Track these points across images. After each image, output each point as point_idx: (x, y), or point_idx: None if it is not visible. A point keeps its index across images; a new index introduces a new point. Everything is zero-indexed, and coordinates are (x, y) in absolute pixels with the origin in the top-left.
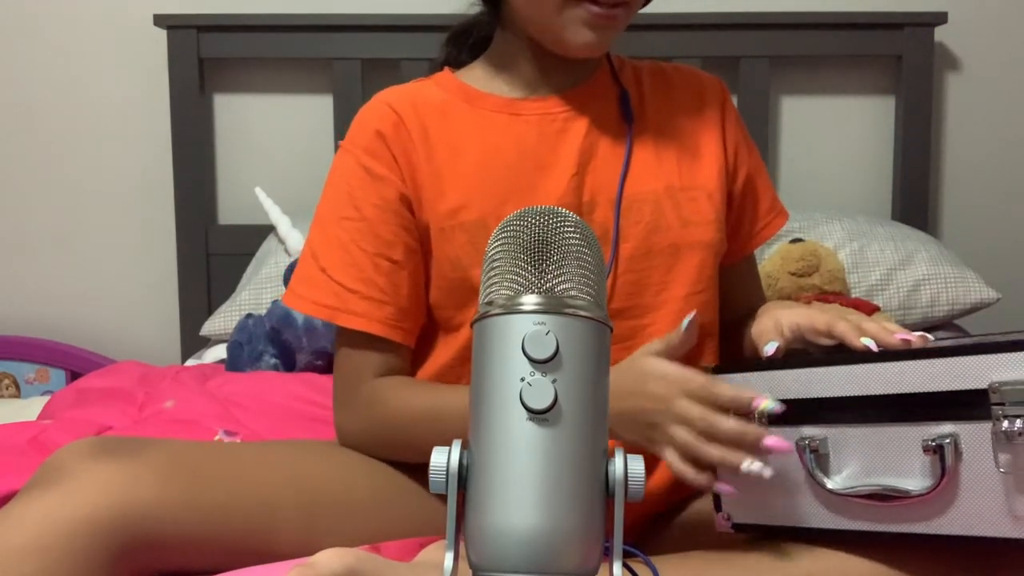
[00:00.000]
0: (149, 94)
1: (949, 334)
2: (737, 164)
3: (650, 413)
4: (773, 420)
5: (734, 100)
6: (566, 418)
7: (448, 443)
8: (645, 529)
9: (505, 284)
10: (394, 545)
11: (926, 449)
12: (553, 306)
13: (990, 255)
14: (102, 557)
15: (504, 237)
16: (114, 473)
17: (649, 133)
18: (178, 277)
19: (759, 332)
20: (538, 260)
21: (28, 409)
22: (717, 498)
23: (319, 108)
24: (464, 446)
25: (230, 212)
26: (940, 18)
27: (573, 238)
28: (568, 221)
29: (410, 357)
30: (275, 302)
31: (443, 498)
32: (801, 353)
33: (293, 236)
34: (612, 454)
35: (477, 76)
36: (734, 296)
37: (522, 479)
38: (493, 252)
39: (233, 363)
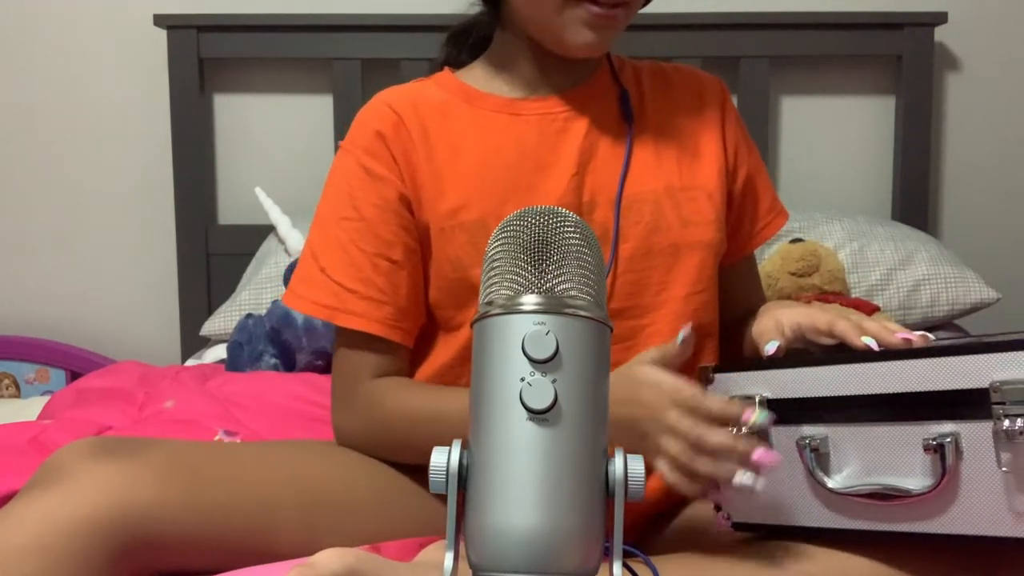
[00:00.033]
0: (149, 94)
1: (949, 334)
2: (737, 164)
3: (642, 422)
4: (775, 420)
5: (734, 100)
6: (566, 418)
7: (445, 445)
8: (645, 529)
9: (505, 284)
10: (394, 545)
11: (927, 448)
12: (553, 306)
13: (990, 255)
14: (102, 557)
15: (504, 237)
16: (114, 473)
17: (649, 133)
18: (178, 277)
19: (760, 332)
20: (538, 260)
21: (28, 409)
22: None
23: (319, 108)
24: (464, 446)
25: (230, 212)
26: (940, 18)
27: (573, 238)
28: (568, 221)
29: (408, 357)
30: (275, 302)
31: (443, 498)
32: (802, 352)
33: (293, 236)
34: (612, 454)
35: (477, 76)
36: (734, 296)
37: (522, 479)
38: (493, 252)
39: (233, 363)
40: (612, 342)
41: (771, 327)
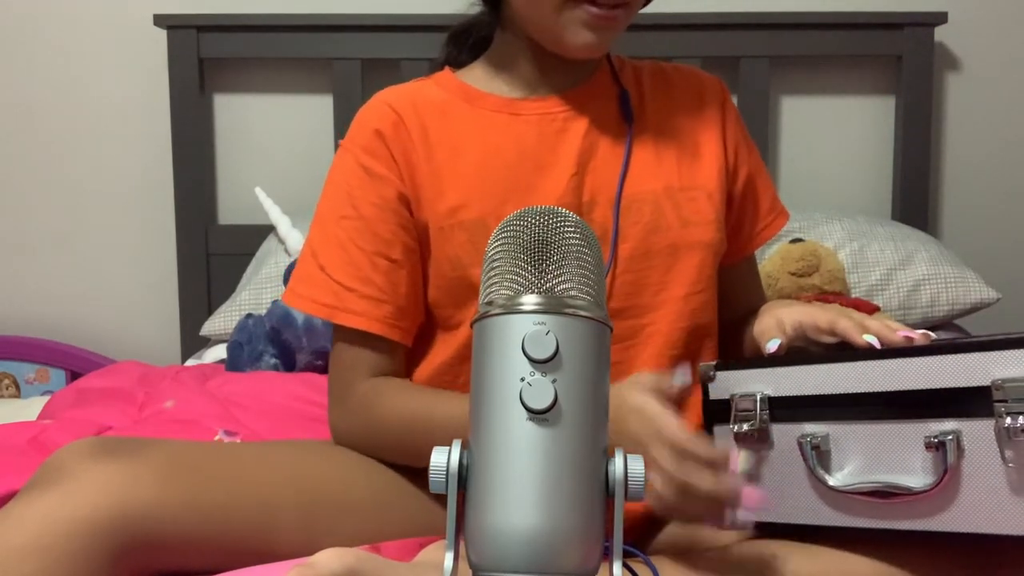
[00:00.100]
0: (149, 94)
1: (949, 334)
2: (737, 164)
3: (625, 449)
4: (775, 417)
5: (734, 100)
6: (566, 418)
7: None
8: (645, 529)
9: (505, 284)
10: (394, 545)
11: (928, 446)
12: (553, 306)
13: (990, 255)
14: (102, 557)
15: (504, 237)
16: (114, 473)
17: (649, 133)
18: (178, 277)
19: (761, 330)
20: (538, 260)
21: (28, 409)
22: None
23: (319, 108)
24: (464, 446)
25: (230, 212)
26: (940, 18)
27: (573, 238)
28: (568, 221)
29: (406, 357)
30: (275, 302)
31: (443, 498)
32: (803, 351)
33: (293, 236)
34: (612, 454)
35: (477, 76)
36: (734, 296)
37: (522, 479)
38: (493, 252)
39: (233, 363)
40: (611, 342)
41: (772, 326)
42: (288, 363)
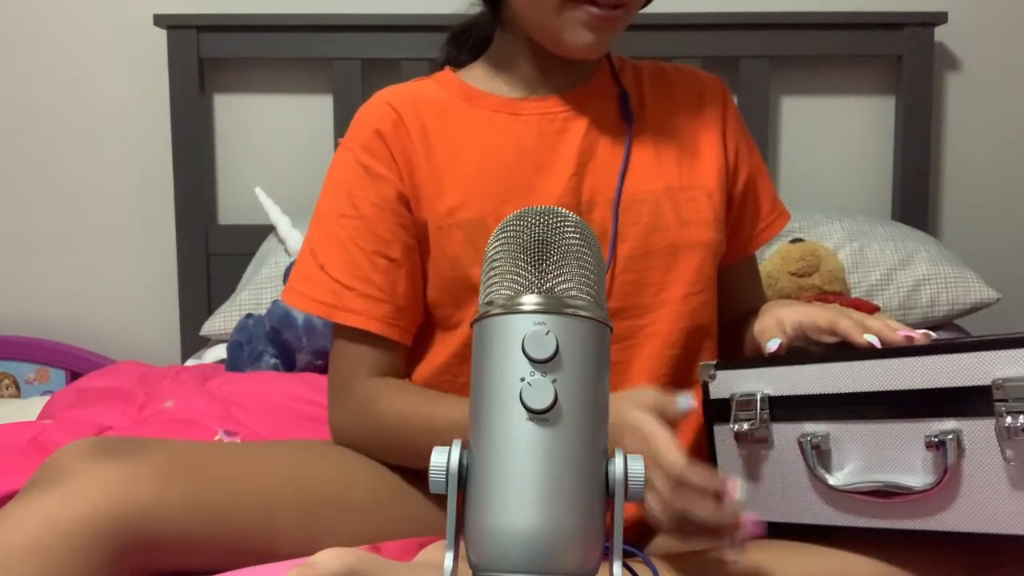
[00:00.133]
0: (149, 94)
1: (949, 334)
2: (738, 164)
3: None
4: (775, 417)
5: (734, 100)
6: (566, 418)
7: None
8: (645, 529)
9: (505, 284)
10: (394, 545)
11: (928, 445)
12: (553, 306)
13: (990, 255)
14: (102, 557)
15: (504, 237)
16: (114, 473)
17: (649, 133)
18: (178, 277)
19: (761, 330)
20: (538, 260)
21: (28, 409)
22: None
23: (319, 108)
24: (464, 446)
25: (230, 212)
26: (940, 18)
27: (573, 238)
28: (568, 221)
29: (406, 356)
30: (275, 302)
31: (443, 498)
32: (803, 350)
33: (293, 236)
34: (612, 454)
35: (477, 76)
36: (735, 296)
37: (522, 479)
38: (493, 252)
39: (233, 363)
40: (611, 342)
41: (772, 325)
42: (288, 363)
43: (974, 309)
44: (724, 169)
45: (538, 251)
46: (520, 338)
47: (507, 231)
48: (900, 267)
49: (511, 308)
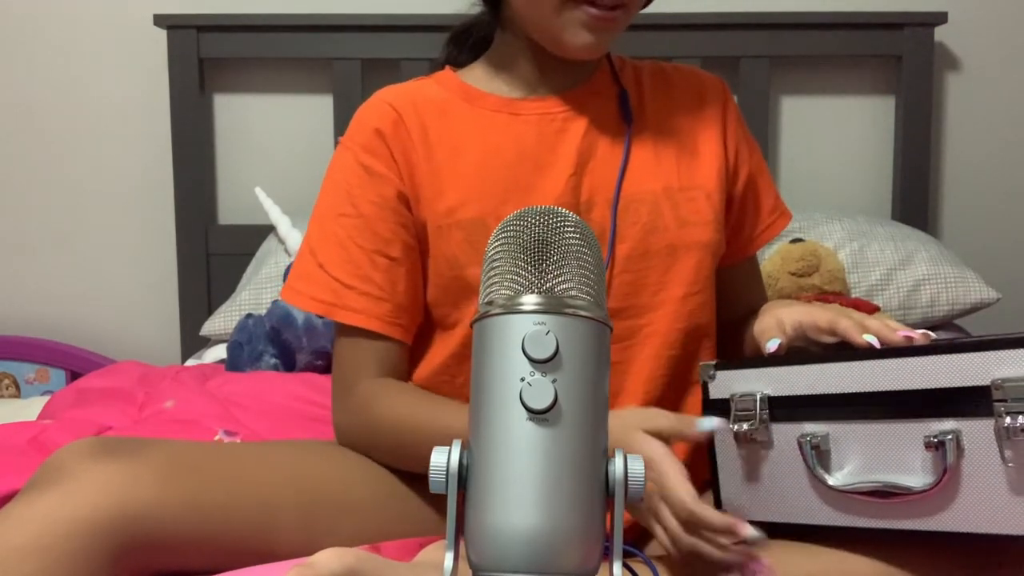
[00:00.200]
0: (149, 94)
1: (949, 334)
2: (738, 164)
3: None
4: (775, 417)
5: (735, 100)
6: (566, 418)
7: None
8: (645, 529)
9: (505, 284)
10: (394, 545)
11: (928, 446)
12: (553, 306)
13: (990, 255)
14: (102, 557)
15: (504, 237)
16: (114, 473)
17: (648, 133)
18: (178, 277)
19: (761, 330)
20: (538, 260)
21: (28, 409)
22: (716, 495)
23: (319, 108)
24: (464, 446)
25: (230, 212)
26: (940, 18)
27: (573, 238)
28: (568, 221)
29: (408, 355)
30: (275, 302)
31: (443, 498)
32: (803, 350)
33: (293, 236)
34: (612, 454)
35: (477, 76)
36: (736, 296)
37: (522, 479)
38: (493, 252)
39: (233, 363)
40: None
41: (772, 325)
42: (288, 363)
43: (974, 309)
44: (724, 169)
45: (538, 251)
46: (520, 338)
47: (507, 231)
48: (900, 267)
49: (511, 308)
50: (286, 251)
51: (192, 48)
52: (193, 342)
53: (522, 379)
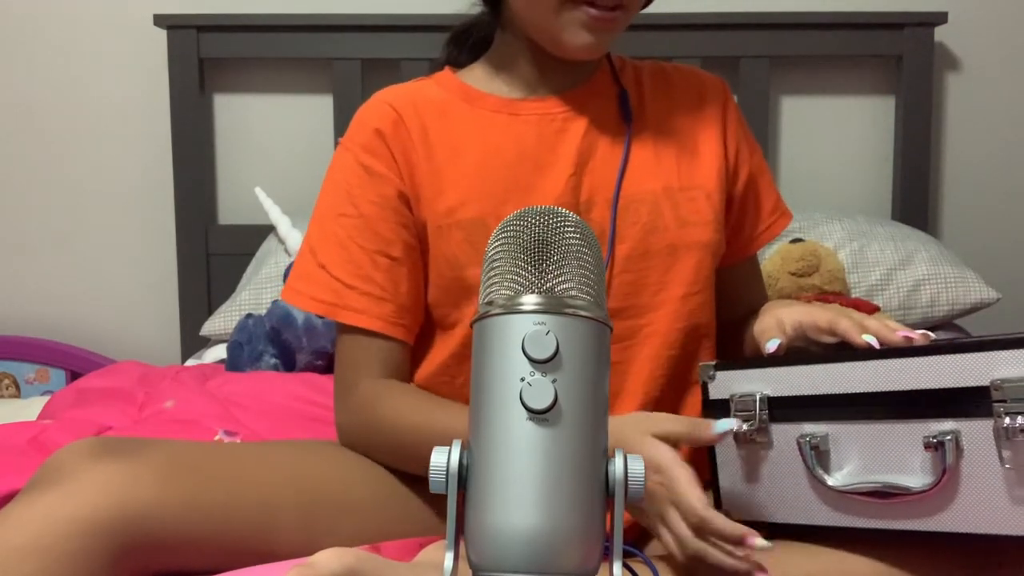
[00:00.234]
0: (149, 94)
1: (949, 334)
2: (738, 164)
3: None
4: (774, 417)
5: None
6: (566, 418)
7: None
8: (645, 529)
9: (505, 284)
10: (394, 545)
11: (927, 446)
12: (553, 306)
13: (990, 255)
14: (102, 557)
15: (504, 237)
16: (114, 473)
17: (648, 133)
18: (178, 277)
19: (761, 330)
20: (538, 260)
21: (28, 409)
22: (716, 495)
23: (319, 108)
24: (464, 446)
25: (230, 212)
26: (940, 18)
27: (573, 238)
28: (568, 221)
29: (410, 355)
30: (275, 302)
31: (443, 498)
32: (803, 351)
33: (293, 236)
34: (612, 454)
35: (477, 76)
36: (736, 296)
37: (522, 479)
38: (493, 252)
39: (233, 363)
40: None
41: (772, 325)
42: (288, 363)
43: (974, 309)
44: (724, 169)
45: (538, 251)
46: (520, 338)
47: (507, 231)
48: (900, 267)
49: (511, 308)
50: (286, 251)
51: (192, 48)
52: (193, 342)
53: (522, 379)
